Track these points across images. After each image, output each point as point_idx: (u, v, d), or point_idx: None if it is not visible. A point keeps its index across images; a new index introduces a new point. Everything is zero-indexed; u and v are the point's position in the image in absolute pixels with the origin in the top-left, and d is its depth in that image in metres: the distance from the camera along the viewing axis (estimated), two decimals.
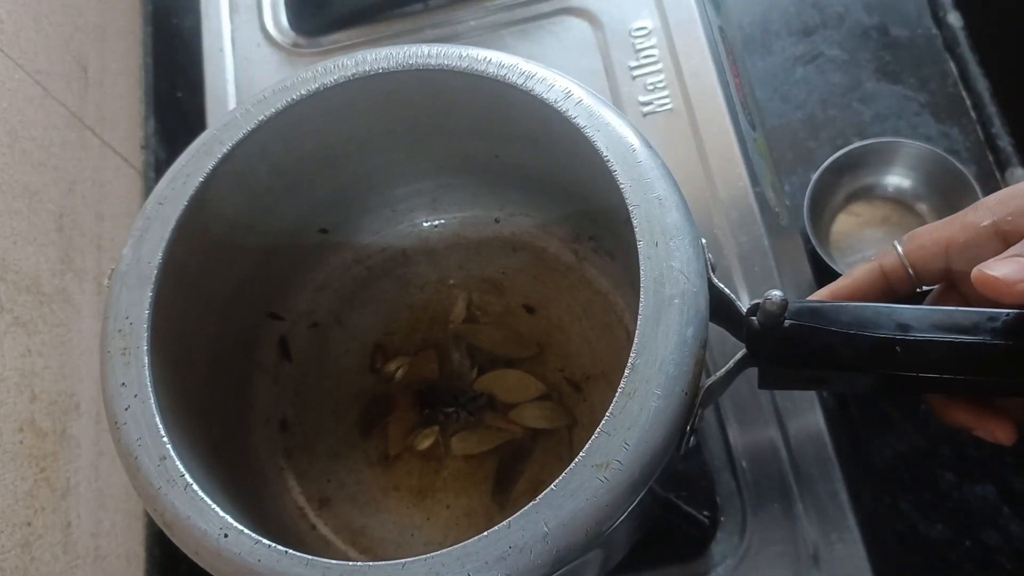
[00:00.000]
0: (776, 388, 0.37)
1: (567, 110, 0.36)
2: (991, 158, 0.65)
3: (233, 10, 0.65)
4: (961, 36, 0.68)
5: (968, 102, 0.67)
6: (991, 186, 0.65)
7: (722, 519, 0.46)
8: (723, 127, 0.53)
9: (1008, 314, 0.31)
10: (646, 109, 0.54)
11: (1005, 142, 0.65)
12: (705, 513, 0.46)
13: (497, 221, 0.51)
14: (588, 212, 0.35)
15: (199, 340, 0.42)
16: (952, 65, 0.68)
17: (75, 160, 0.60)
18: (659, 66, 0.55)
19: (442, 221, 0.52)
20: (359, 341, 0.51)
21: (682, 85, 0.54)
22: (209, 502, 0.33)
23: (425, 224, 0.52)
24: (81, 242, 0.58)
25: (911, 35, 0.70)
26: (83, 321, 0.56)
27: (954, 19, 0.69)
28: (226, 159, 0.40)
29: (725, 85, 0.54)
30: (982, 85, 0.66)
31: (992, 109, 0.66)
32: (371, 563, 0.31)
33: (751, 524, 0.46)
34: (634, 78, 0.55)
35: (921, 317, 0.32)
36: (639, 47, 0.56)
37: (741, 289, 0.49)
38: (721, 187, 0.51)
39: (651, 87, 0.54)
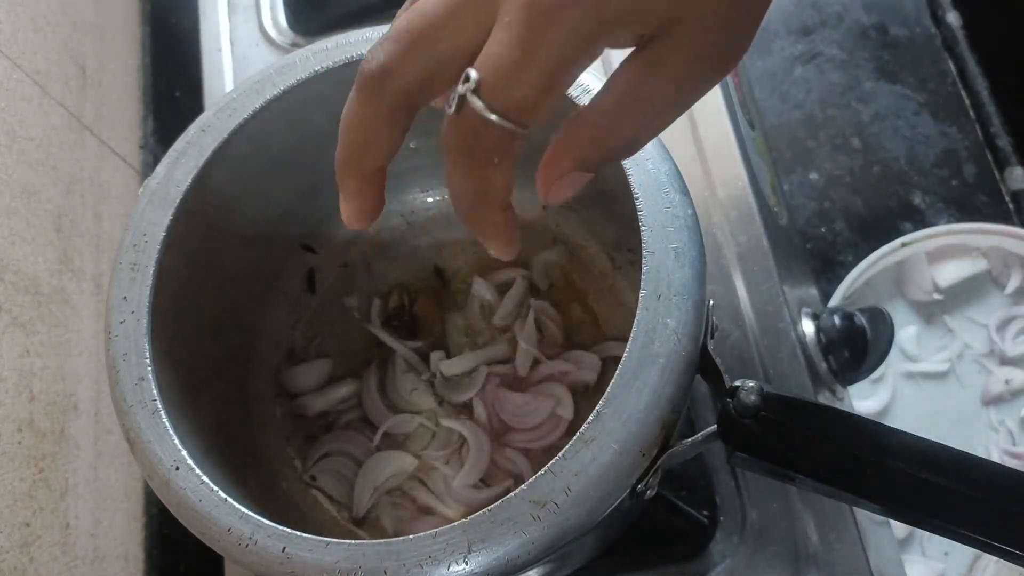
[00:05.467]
0: (743, 469, 0.36)
1: None
2: (990, 157, 0.65)
3: (232, 10, 0.65)
4: (960, 35, 0.68)
5: (967, 101, 0.67)
6: (991, 187, 0.65)
7: (721, 519, 0.46)
8: (722, 126, 0.53)
9: (994, 466, 0.30)
10: None
11: (1004, 141, 0.65)
12: (704, 513, 0.46)
13: (545, 208, 0.51)
14: (632, 224, 0.34)
15: (223, 259, 0.43)
16: (951, 64, 0.68)
17: (73, 160, 0.60)
18: None
19: None
20: (383, 291, 0.52)
21: None
22: (171, 432, 0.34)
23: None
24: (80, 242, 0.58)
25: (910, 34, 0.70)
26: (81, 321, 0.56)
27: (953, 18, 0.69)
28: (278, 99, 0.40)
29: (724, 84, 0.54)
30: (981, 84, 0.66)
31: (991, 108, 0.66)
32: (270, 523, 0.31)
33: (750, 524, 0.46)
34: None
35: (903, 443, 0.30)
36: None
37: (740, 290, 0.49)
38: (720, 186, 0.51)
39: None
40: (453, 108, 0.25)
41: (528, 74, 0.23)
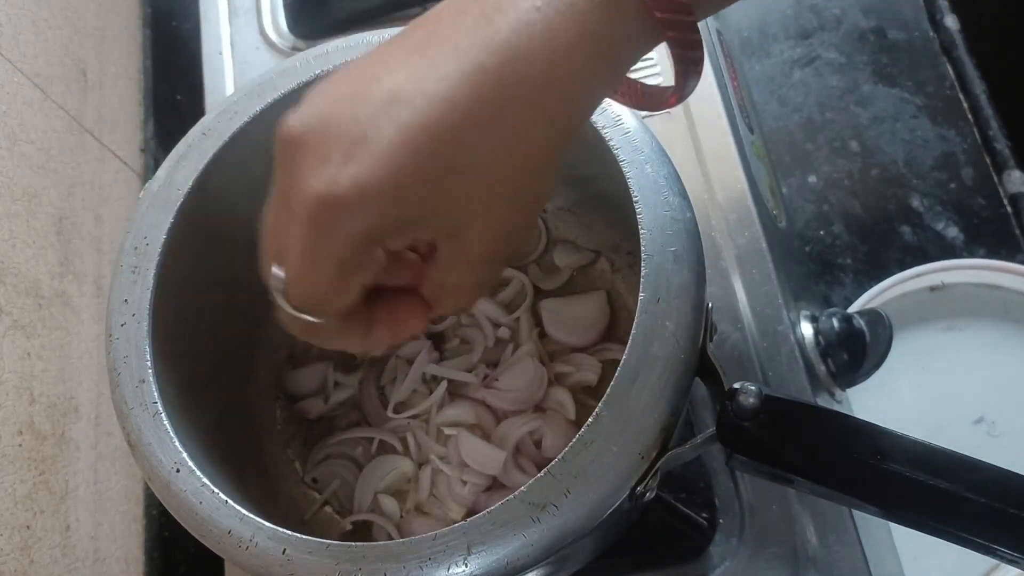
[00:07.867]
0: (742, 471, 0.36)
1: (611, 139, 0.36)
2: (988, 160, 0.65)
3: (232, 13, 0.65)
4: (958, 39, 0.68)
5: (965, 104, 0.67)
6: (989, 190, 0.65)
7: (720, 521, 0.46)
8: (721, 130, 0.53)
9: (992, 469, 0.29)
10: (644, 112, 0.54)
11: (1002, 144, 0.65)
12: (703, 515, 0.47)
13: (545, 211, 0.51)
14: (631, 227, 0.35)
15: (223, 261, 0.43)
16: (949, 68, 0.68)
17: (74, 163, 0.60)
18: (657, 69, 0.55)
19: None
20: None
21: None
22: (172, 434, 0.34)
23: None
24: (80, 245, 0.58)
25: (908, 38, 0.70)
26: (82, 324, 0.57)
27: (951, 22, 0.69)
28: (279, 102, 0.40)
29: (723, 88, 0.54)
30: (979, 88, 0.67)
31: (989, 112, 0.66)
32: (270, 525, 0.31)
33: (749, 526, 0.46)
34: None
35: (902, 447, 0.30)
36: None
37: (739, 292, 0.49)
38: (719, 190, 0.51)
39: None
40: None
41: (317, 279, 0.27)
